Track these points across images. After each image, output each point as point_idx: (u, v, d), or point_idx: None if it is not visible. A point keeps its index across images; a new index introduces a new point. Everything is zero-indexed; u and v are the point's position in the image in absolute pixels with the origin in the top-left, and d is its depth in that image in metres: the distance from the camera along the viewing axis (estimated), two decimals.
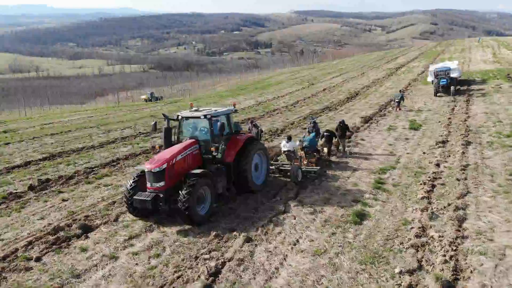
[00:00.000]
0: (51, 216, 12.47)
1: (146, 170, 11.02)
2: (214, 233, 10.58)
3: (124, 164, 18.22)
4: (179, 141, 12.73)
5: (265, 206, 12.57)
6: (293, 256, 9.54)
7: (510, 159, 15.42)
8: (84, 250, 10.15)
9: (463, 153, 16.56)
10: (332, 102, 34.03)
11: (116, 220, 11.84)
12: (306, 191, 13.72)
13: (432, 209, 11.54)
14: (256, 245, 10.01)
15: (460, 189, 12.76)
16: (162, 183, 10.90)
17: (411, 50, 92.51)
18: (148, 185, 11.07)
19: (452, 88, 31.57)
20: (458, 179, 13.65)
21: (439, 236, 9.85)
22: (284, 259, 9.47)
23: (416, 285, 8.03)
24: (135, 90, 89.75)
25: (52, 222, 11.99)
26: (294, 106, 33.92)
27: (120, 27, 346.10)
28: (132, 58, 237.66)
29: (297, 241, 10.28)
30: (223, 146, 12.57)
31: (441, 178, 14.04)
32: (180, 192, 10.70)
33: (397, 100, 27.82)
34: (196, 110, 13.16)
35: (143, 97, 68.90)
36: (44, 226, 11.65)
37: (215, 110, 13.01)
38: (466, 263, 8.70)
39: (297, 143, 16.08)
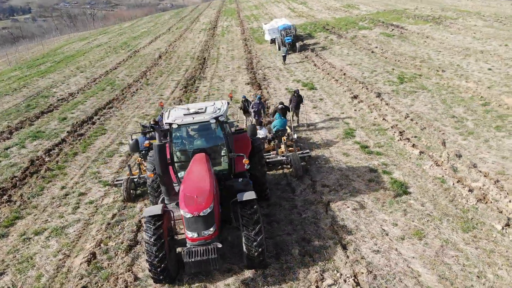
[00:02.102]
0: None
1: (187, 216, 8.01)
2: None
3: None
4: (172, 159, 9.65)
5: (305, 209, 11.60)
6: (400, 245, 9.45)
7: (426, 101, 18.70)
8: None
9: (387, 104, 19.04)
10: (190, 70, 32.19)
11: None
12: (320, 175, 13.27)
13: (444, 161, 13.13)
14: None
15: (436, 137, 14.87)
16: (212, 229, 8.20)
17: (204, 9, 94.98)
18: (192, 235, 8.16)
19: (297, 44, 34.73)
20: (422, 129, 15.79)
21: (481, 186, 11.51)
22: (396, 250, 9.28)
23: None
24: None
25: None
26: (148, 79, 30.49)
27: None
28: None
29: (384, 230, 10.16)
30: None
31: (404, 131, 15.90)
32: (245, 233, 8.35)
33: (283, 54, 29.99)
34: (190, 112, 9.76)
35: None
36: None
37: (219, 109, 9.92)
38: None
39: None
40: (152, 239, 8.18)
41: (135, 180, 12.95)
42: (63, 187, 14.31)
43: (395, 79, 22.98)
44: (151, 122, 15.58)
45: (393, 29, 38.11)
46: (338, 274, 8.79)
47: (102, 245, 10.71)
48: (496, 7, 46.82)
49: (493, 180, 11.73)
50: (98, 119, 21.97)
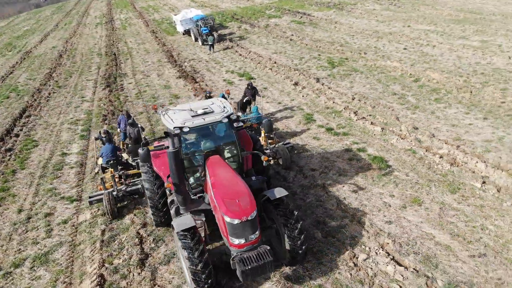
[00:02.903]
0: None
1: (235, 222, 7.69)
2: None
3: None
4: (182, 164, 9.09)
5: (306, 193, 12.10)
6: (406, 213, 10.60)
7: (363, 82, 20.45)
8: None
9: (330, 88, 20.40)
10: (103, 68, 29.99)
11: None
12: (303, 161, 13.83)
13: (406, 134, 14.70)
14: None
15: (389, 114, 16.49)
16: (258, 232, 7.99)
17: (90, 1, 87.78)
18: (239, 241, 7.88)
19: (215, 35, 34.67)
20: (372, 107, 17.34)
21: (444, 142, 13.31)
22: (404, 218, 10.38)
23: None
24: None
25: None
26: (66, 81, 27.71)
27: None
28: None
29: (385, 202, 11.20)
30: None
31: (357, 111, 17.28)
32: (288, 233, 8.34)
33: (211, 43, 30.46)
34: (198, 113, 9.20)
35: None
36: None
37: (224, 107, 9.56)
38: None
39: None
40: (195, 255, 7.66)
41: (115, 194, 11.86)
42: (20, 210, 12.58)
43: (326, 64, 24.53)
44: (104, 129, 14.49)
45: (301, 17, 40.23)
46: (367, 249, 9.45)
47: (106, 264, 9.82)
48: None
49: (454, 146, 13.54)
50: (20, 130, 19.46)
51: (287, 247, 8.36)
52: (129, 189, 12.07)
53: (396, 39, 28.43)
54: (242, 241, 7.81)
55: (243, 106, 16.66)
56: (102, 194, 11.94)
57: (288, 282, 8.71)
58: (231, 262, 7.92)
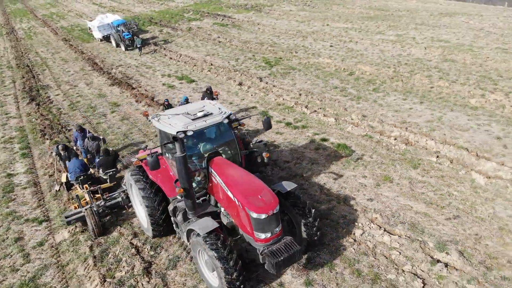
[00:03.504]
0: None
1: (262, 217, 7.91)
2: None
3: None
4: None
5: None
6: (382, 190, 11.97)
7: (303, 79, 21.87)
8: None
9: (274, 86, 21.47)
10: (19, 81, 27.69)
11: None
12: (275, 154, 14.55)
13: (358, 121, 16.21)
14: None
15: (337, 105, 17.99)
16: (280, 224, 8.34)
17: None
18: (266, 236, 8.12)
19: (138, 39, 33.89)
20: (320, 101, 18.72)
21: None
22: (382, 194, 11.72)
23: None
24: None
25: None
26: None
27: None
28: None
29: (361, 183, 12.44)
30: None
31: (307, 105, 18.54)
32: (304, 222, 8.83)
33: (139, 45, 30.94)
34: (198, 116, 9.21)
35: None
36: None
37: (219, 108, 9.66)
38: None
39: None
40: (225, 254, 7.78)
41: (95, 210, 11.29)
42: None
43: (263, 64, 25.56)
44: (62, 145, 13.70)
45: (223, 19, 40.98)
46: (360, 224, 10.47)
47: (108, 279, 9.53)
48: None
49: (403, 128, 15.32)
50: None
51: (304, 235, 8.86)
52: (108, 203, 11.68)
53: (320, 37, 30.56)
54: (268, 235, 8.07)
55: None
56: (80, 212, 11.39)
57: (300, 265, 9.33)
58: (260, 256, 8.15)
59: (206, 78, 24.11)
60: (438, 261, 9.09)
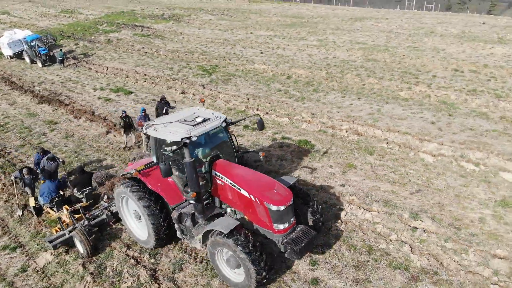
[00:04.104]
0: None
1: (281, 209, 8.49)
2: None
3: None
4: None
5: None
6: (349, 176, 13.50)
7: (245, 84, 22.95)
8: None
9: (220, 92, 22.24)
10: None
11: None
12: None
13: (310, 119, 17.69)
14: None
15: (286, 106, 19.35)
16: (294, 215, 9.06)
17: None
18: (284, 226, 8.75)
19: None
20: (269, 103, 19.93)
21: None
22: (350, 179, 13.23)
23: None
24: None
25: None
26: None
27: None
28: None
29: (330, 172, 13.86)
30: None
31: (258, 108, 19.62)
32: (311, 210, 9.64)
33: (61, 58, 29.84)
34: (197, 122, 9.54)
35: None
36: None
37: (212, 113, 10.09)
38: None
39: None
40: (257, 256, 8.18)
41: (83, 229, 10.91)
42: None
43: (201, 72, 26.10)
44: (27, 168, 13.00)
45: (142, 30, 40.49)
46: (341, 207, 11.72)
47: None
48: (208, 2, 56.26)
49: (350, 121, 17.10)
50: None
51: (310, 222, 9.68)
52: (93, 222, 11.42)
53: (248, 45, 31.96)
54: (286, 225, 8.71)
55: None
56: (64, 234, 11.00)
57: None
58: (281, 246, 8.76)
59: (144, 89, 23.94)
60: (416, 228, 10.65)
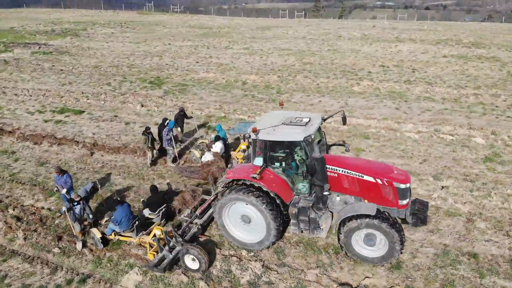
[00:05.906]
0: None
1: (408, 186, 9.92)
2: None
3: None
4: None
5: None
6: (363, 156, 16.14)
7: (206, 92, 23.95)
8: None
9: (184, 102, 22.88)
10: None
11: None
12: None
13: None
14: None
15: (255, 109, 21.16)
16: None
17: None
18: (406, 201, 10.07)
19: None
20: (234, 110, 21.45)
21: None
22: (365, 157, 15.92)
23: None
24: None
25: None
26: None
27: None
28: None
29: None
30: None
31: (227, 116, 20.96)
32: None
33: None
34: (304, 122, 10.30)
35: None
36: None
37: (301, 112, 11.06)
38: None
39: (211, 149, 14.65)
40: (395, 224, 9.61)
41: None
42: None
43: (147, 84, 26.01)
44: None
45: (40, 47, 37.44)
46: None
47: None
48: (95, 16, 53.82)
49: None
50: None
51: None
52: (186, 237, 11.22)
53: (176, 55, 32.54)
54: (408, 200, 10.02)
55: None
56: (164, 256, 10.71)
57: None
58: (409, 217, 10.27)
59: (93, 107, 23.01)
60: (444, 186, 13.63)
